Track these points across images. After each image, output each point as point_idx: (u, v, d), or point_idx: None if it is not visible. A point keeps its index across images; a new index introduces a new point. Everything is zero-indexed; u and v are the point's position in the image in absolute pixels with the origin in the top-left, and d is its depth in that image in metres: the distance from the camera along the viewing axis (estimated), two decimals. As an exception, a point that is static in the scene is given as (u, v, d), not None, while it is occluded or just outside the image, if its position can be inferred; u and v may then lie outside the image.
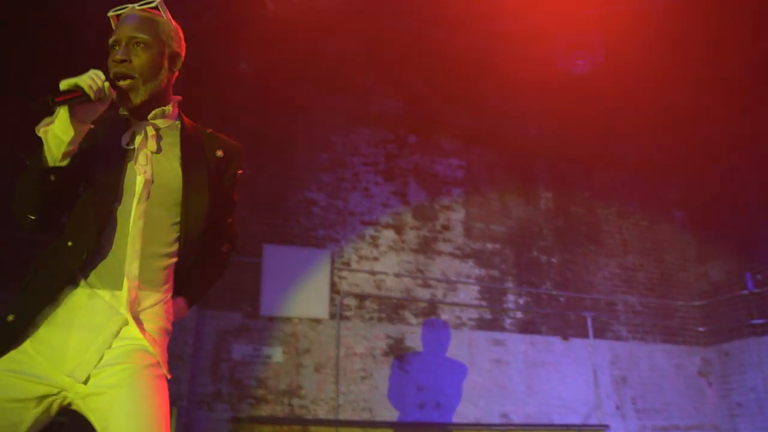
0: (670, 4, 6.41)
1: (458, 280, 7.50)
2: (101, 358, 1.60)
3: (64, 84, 1.55)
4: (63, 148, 1.58)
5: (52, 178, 1.59)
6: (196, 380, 6.32)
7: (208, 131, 1.94)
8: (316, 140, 7.46)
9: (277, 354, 6.65)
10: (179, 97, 1.90)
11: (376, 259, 7.31)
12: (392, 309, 7.18)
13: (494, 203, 8.01)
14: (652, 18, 6.52)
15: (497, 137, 8.12)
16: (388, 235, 7.45)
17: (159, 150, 1.78)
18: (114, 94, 1.67)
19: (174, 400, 6.00)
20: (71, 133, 1.57)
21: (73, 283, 1.65)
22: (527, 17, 6.58)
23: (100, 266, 1.67)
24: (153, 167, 1.75)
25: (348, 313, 7.01)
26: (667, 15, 6.48)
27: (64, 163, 1.60)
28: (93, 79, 1.58)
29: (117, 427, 1.54)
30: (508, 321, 7.58)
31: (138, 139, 1.76)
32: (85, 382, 1.58)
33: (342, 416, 6.58)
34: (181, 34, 1.89)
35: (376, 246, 7.36)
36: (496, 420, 7.02)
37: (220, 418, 6.29)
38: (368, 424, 6.62)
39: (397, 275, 7.32)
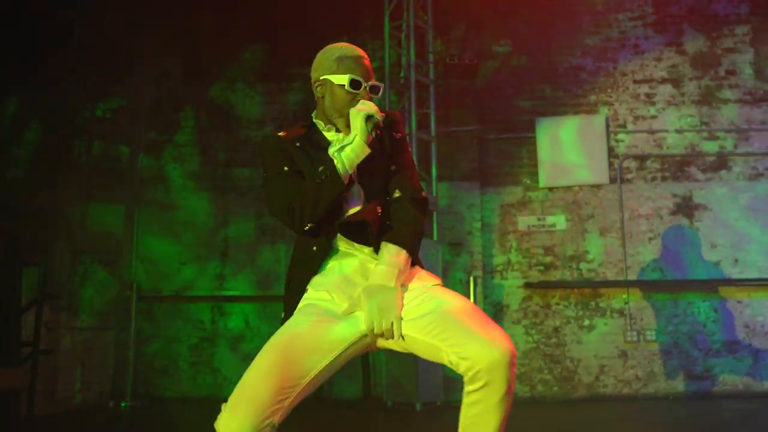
0: None
1: (750, 128, 6.89)
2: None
3: None
4: (353, 167, 1.95)
5: (346, 191, 1.96)
6: (487, 252, 6.85)
7: None
8: (576, 4, 7.19)
9: (561, 222, 6.87)
10: None
11: (654, 117, 7.00)
12: (676, 166, 6.90)
13: (790, 35, 7.04)
14: None
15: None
16: (665, 90, 7.04)
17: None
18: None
19: (469, 271, 6.63)
20: (364, 155, 1.95)
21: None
22: None
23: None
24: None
25: (629, 176, 6.91)
26: None
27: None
28: (378, 113, 1.96)
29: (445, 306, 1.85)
30: (817, 167, 6.82)
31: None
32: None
33: (631, 278, 6.66)
34: None
35: (652, 103, 7.02)
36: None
37: (513, 284, 6.79)
38: (660, 283, 6.62)
39: (679, 131, 6.95)
